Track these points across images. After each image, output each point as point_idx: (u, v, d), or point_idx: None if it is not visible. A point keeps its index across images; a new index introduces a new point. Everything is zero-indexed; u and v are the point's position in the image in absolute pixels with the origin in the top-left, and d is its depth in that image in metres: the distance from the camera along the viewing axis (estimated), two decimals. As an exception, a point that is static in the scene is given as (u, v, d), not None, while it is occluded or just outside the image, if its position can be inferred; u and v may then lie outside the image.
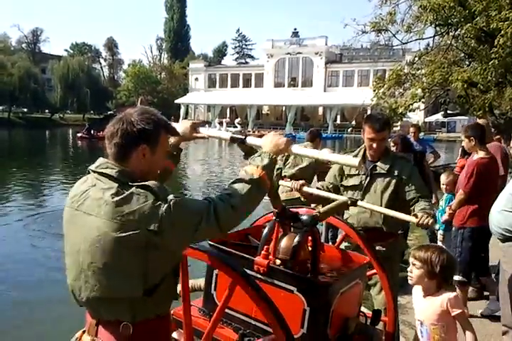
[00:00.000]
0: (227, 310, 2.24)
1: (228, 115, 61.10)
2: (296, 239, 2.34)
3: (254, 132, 51.92)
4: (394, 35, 12.76)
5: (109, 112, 63.02)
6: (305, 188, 3.00)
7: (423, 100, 14.28)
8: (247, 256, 2.31)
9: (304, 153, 2.19)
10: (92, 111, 65.56)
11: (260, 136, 2.05)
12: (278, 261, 2.33)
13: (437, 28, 12.03)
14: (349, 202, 2.81)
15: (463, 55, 13.72)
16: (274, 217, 2.48)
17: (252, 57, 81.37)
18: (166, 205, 1.52)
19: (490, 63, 10.22)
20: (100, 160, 1.66)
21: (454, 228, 4.32)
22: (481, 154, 4.08)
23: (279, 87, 60.93)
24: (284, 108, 58.78)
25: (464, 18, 10.64)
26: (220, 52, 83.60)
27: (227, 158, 26.68)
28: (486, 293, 4.51)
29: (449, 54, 13.46)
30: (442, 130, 51.47)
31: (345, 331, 2.32)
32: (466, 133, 4.15)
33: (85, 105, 62.00)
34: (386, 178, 3.14)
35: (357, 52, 58.09)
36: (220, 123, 54.22)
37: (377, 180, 3.16)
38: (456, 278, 4.12)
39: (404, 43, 13.00)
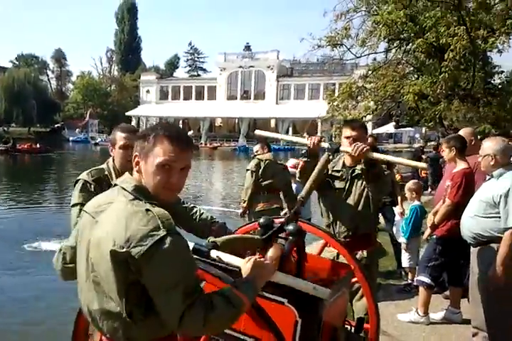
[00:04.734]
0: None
1: (181, 127, 60.58)
2: (283, 249, 2.29)
3: (206, 145, 51.82)
4: (349, 49, 13.11)
5: (56, 125, 61.36)
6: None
7: (376, 112, 14.68)
8: (233, 268, 2.23)
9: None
10: (38, 124, 63.46)
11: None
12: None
13: (390, 43, 12.47)
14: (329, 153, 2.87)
15: (412, 68, 14.25)
16: (258, 228, 2.43)
17: (204, 70, 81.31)
18: (160, 239, 1.46)
19: (440, 76, 10.65)
20: (125, 174, 1.71)
21: (433, 237, 4.27)
22: (463, 165, 4.09)
23: (232, 99, 61.21)
24: (236, 120, 59.02)
25: (415, 33, 11.07)
26: (172, 64, 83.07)
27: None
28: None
29: (399, 68, 13.94)
30: (389, 141, 53.05)
31: (335, 341, 2.28)
32: (447, 144, 4.16)
33: (31, 118, 59.87)
34: (364, 181, 3.15)
35: (307, 67, 59.28)
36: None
37: (357, 183, 3.18)
38: (425, 279, 4.21)
39: (358, 57, 13.38)
